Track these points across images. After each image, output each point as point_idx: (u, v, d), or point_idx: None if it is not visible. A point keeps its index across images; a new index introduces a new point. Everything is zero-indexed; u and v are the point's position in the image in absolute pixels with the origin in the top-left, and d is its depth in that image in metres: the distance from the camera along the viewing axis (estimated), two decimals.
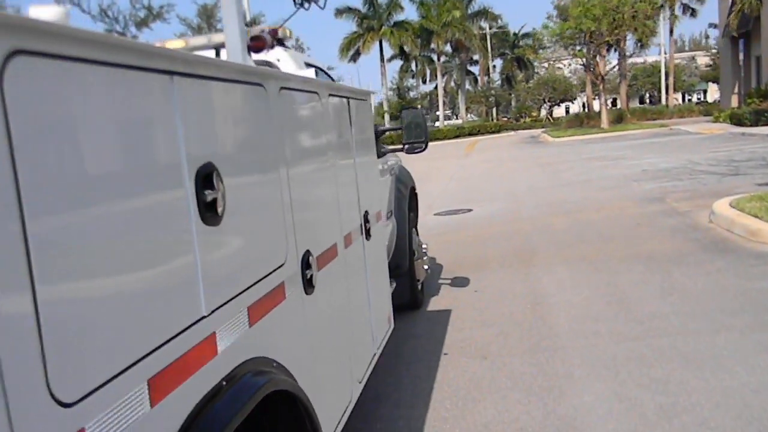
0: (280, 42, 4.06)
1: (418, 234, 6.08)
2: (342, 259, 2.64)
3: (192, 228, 1.49)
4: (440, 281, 6.72)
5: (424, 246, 5.90)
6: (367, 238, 3.15)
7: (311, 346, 2.23)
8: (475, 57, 61.04)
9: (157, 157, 1.43)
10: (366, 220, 3.16)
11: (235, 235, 1.71)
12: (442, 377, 4.32)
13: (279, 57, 3.82)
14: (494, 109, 62.35)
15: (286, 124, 2.18)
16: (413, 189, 6.00)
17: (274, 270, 1.96)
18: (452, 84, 66.77)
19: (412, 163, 6.79)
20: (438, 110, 59.41)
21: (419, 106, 59.14)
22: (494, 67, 65.32)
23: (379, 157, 4.90)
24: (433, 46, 54.02)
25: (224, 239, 1.64)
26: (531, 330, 5.01)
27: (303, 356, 2.16)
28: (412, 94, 61.42)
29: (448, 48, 56.79)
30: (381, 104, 57.54)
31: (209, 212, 1.54)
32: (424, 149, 5.02)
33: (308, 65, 4.09)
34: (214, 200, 1.55)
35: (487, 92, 60.54)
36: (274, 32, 3.27)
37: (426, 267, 5.85)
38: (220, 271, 1.61)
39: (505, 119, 61.48)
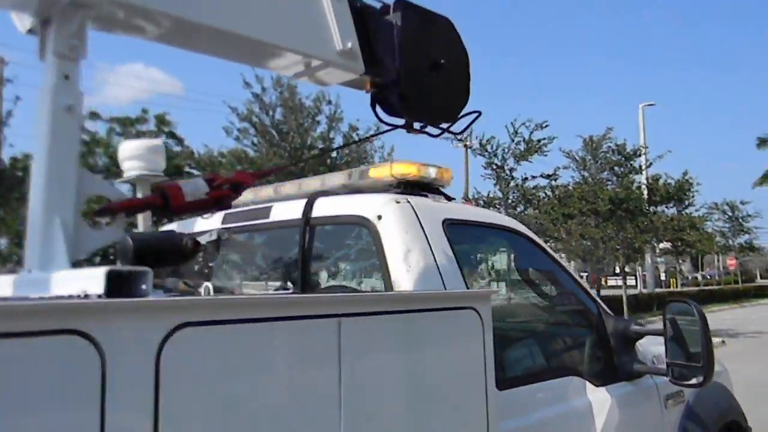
0: (425, 186, 2.33)
1: None
2: None
3: None
4: None
5: None
6: None
7: None
8: None
9: None
10: None
11: None
12: None
13: (381, 213, 2.12)
14: None
15: None
16: (738, 426, 3.30)
17: None
18: None
19: None
20: None
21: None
22: None
23: (630, 378, 2.65)
24: None
25: None
26: None
27: None
28: None
29: None
30: None
31: None
32: (703, 383, 2.51)
33: (457, 223, 2.23)
34: None
35: None
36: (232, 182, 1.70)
37: None
38: None
39: None
